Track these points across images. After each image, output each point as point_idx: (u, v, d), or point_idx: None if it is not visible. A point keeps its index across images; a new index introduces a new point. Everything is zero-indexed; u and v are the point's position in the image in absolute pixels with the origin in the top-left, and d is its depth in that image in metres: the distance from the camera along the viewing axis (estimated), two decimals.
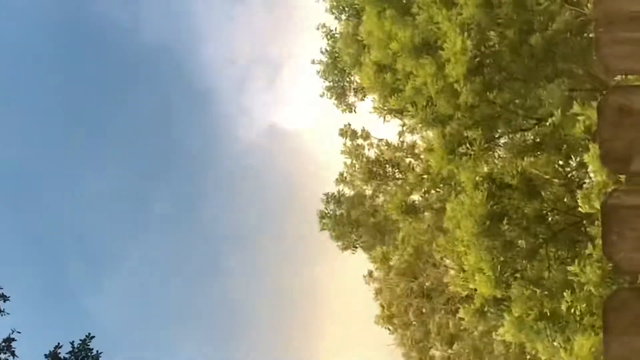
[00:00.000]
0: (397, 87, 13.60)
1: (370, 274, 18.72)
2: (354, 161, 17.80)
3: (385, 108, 14.22)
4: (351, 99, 18.21)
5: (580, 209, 11.54)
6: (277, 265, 30.73)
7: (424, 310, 18.01)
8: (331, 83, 17.98)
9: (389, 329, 18.38)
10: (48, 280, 32.62)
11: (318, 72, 17.84)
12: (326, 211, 18.24)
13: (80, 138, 34.74)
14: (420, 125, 13.33)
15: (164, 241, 34.55)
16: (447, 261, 15.97)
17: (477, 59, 12.76)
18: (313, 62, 17.84)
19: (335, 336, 27.72)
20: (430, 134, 13.75)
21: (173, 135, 35.33)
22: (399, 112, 13.90)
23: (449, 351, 17.66)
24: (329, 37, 17.44)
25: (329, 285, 27.30)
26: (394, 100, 13.37)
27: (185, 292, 34.67)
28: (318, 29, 17.53)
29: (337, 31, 17.21)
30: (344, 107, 18.34)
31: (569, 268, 11.57)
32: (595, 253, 11.37)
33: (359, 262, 19.21)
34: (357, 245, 18.32)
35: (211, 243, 34.30)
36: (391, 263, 17.30)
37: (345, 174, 18.16)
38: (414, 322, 18.17)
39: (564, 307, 11.57)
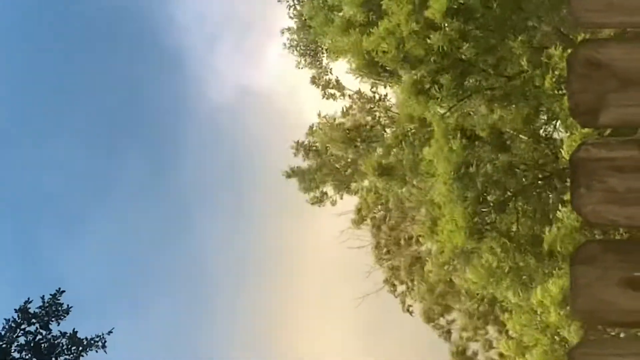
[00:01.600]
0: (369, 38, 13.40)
1: (359, 210, 18.96)
2: (329, 131, 17.75)
3: (357, 64, 14.03)
4: (325, 60, 18.09)
5: (561, 161, 11.63)
6: (248, 224, 30.81)
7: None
8: (303, 49, 17.81)
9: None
10: (17, 239, 32.42)
11: (286, 45, 17.67)
12: (292, 168, 18.30)
13: (48, 97, 34.32)
14: (391, 63, 13.11)
15: (134, 200, 34.41)
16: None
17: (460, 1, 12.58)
18: (282, 32, 17.65)
19: (307, 293, 27.94)
20: (401, 77, 13.59)
21: (142, 95, 35.04)
22: (373, 57, 13.60)
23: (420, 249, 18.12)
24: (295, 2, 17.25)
25: (299, 243, 27.44)
26: (366, 40, 13.11)
27: (155, 252, 34.70)
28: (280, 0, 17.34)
29: None
30: (320, 71, 18.20)
31: (560, 210, 11.64)
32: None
33: (329, 220, 19.32)
34: (324, 199, 18.45)
35: (181, 203, 34.24)
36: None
37: (318, 134, 18.14)
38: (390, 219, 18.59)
39: (548, 238, 11.57)
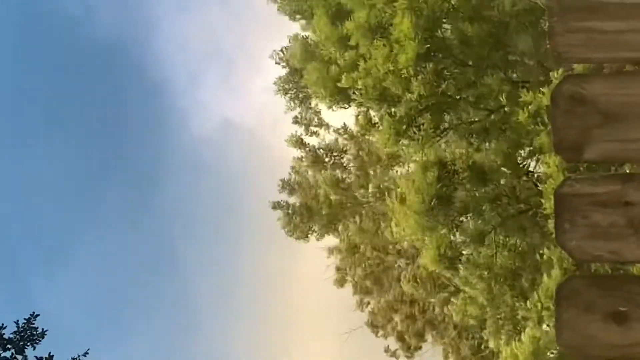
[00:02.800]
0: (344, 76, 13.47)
1: (332, 251, 18.96)
2: (300, 149, 17.91)
3: (331, 98, 14.09)
4: (314, 102, 18.22)
5: (544, 209, 11.62)
6: (232, 256, 30.67)
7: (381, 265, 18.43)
8: (292, 94, 17.93)
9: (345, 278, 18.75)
10: None
11: (277, 91, 17.75)
12: (279, 202, 18.30)
13: (32, 129, 34.22)
14: (368, 103, 13.19)
15: (117, 233, 34.21)
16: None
17: (427, 45, 12.65)
18: (275, 83, 17.73)
19: (293, 325, 27.75)
20: (378, 113, 13.68)
21: (126, 128, 34.99)
22: (347, 93, 13.68)
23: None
24: (283, 59, 17.40)
25: (286, 275, 27.31)
26: (344, 79, 13.18)
27: (138, 285, 34.43)
28: (272, 56, 17.55)
29: (289, 38, 17.13)
30: (308, 111, 18.32)
31: (545, 252, 11.65)
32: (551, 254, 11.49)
33: (315, 251, 19.30)
34: (310, 234, 18.44)
35: (165, 237, 34.09)
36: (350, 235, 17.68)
37: (296, 165, 18.28)
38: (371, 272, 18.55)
39: (529, 304, 11.60)
